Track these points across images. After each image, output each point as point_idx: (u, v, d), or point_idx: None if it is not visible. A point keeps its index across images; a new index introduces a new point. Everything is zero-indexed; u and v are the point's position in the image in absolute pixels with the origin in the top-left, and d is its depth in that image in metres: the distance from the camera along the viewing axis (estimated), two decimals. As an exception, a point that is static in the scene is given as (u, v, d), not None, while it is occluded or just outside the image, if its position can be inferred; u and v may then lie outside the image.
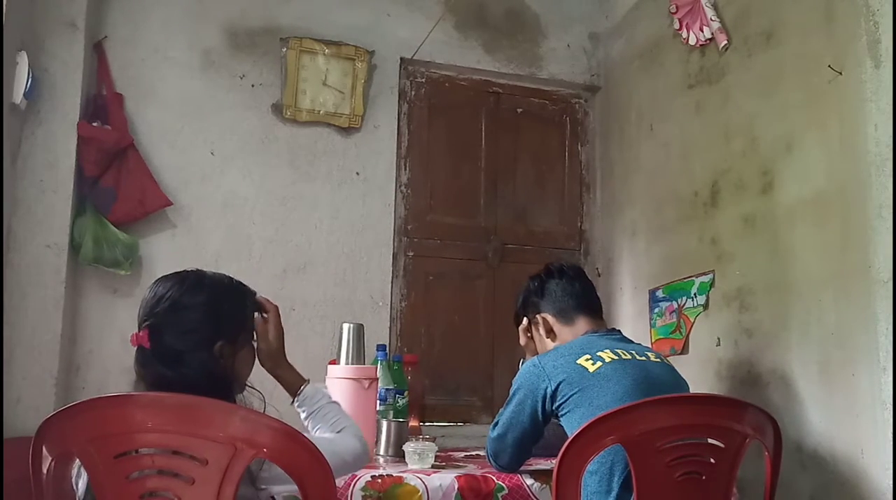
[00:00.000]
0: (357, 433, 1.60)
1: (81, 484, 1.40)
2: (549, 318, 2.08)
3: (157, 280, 1.53)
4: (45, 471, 1.33)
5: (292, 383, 1.66)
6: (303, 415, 1.64)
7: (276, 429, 1.30)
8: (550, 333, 2.07)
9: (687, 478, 1.52)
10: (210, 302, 1.50)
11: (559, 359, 1.85)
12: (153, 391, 1.42)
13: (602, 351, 1.84)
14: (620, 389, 1.76)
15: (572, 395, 1.78)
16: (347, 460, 1.54)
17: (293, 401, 1.65)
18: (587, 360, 1.82)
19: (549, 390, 1.80)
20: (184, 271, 1.55)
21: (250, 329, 1.61)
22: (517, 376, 1.93)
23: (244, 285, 1.62)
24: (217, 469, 1.26)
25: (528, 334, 2.17)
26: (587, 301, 2.10)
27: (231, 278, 1.60)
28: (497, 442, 1.88)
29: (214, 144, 3.02)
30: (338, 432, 1.59)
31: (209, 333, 1.48)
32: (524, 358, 2.23)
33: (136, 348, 1.47)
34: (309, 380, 1.67)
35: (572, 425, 1.74)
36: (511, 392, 1.90)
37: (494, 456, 1.90)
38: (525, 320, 2.18)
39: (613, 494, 1.68)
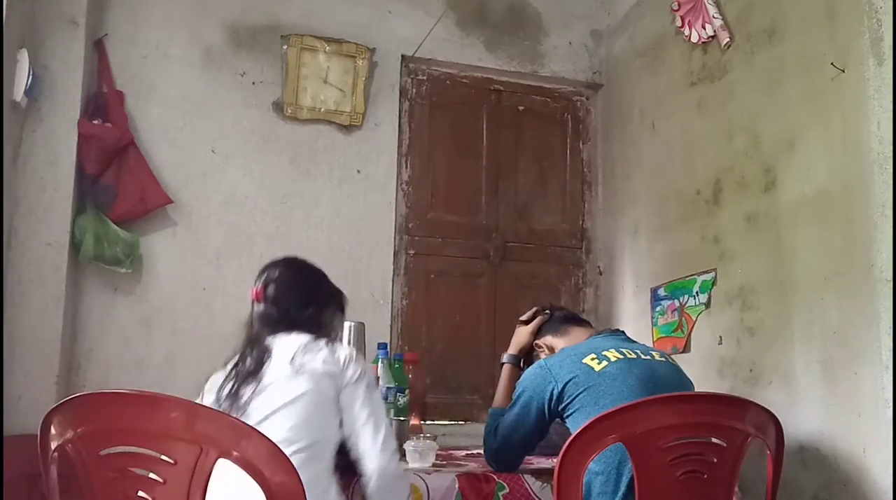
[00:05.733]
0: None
1: None
2: (548, 337, 2.16)
3: (271, 261, 1.94)
4: (51, 460, 1.34)
5: None
6: None
7: (241, 430, 1.30)
8: (552, 350, 2.11)
9: (689, 477, 1.52)
10: (307, 276, 1.93)
11: (566, 359, 1.86)
12: (262, 326, 1.80)
13: (607, 351, 1.85)
14: (626, 388, 1.76)
15: (578, 394, 1.78)
16: (387, 443, 1.70)
17: None
18: (593, 359, 1.82)
19: (555, 392, 1.81)
20: (292, 256, 1.98)
21: (333, 309, 1.94)
22: (522, 377, 1.94)
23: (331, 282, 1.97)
24: (185, 470, 1.26)
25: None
26: (576, 317, 2.25)
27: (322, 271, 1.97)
28: (501, 443, 1.87)
29: (215, 141, 3.01)
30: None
31: (305, 296, 1.87)
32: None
33: (252, 302, 1.87)
34: None
35: (577, 425, 1.74)
36: (515, 395, 1.90)
37: (497, 458, 1.89)
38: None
39: (620, 494, 1.68)
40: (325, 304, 1.91)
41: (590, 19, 3.57)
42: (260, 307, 1.86)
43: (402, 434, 2.18)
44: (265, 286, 1.87)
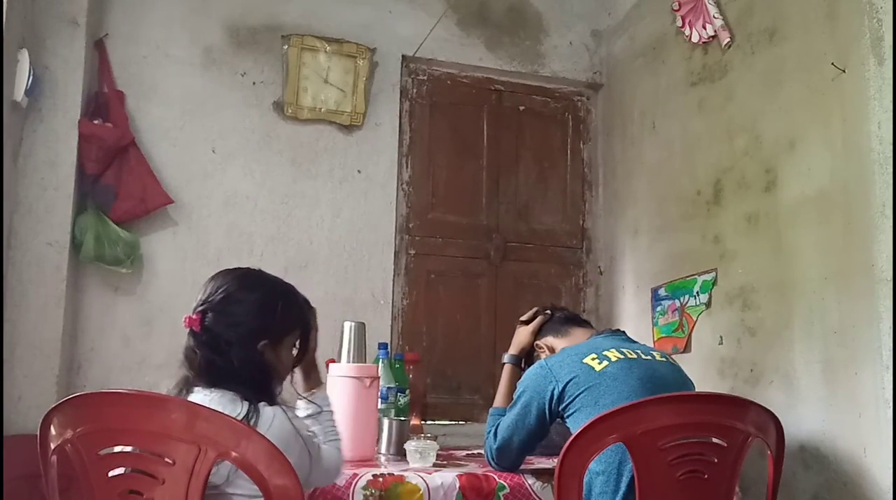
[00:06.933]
0: (341, 449, 1.67)
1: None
2: (549, 338, 2.16)
3: (218, 272, 1.60)
4: (51, 460, 1.35)
5: (312, 380, 1.74)
6: (306, 410, 1.71)
7: (240, 430, 1.30)
8: (553, 350, 2.11)
9: (689, 477, 1.52)
10: (262, 302, 1.55)
11: (566, 359, 1.86)
12: (200, 374, 1.49)
13: (608, 351, 1.85)
14: (627, 388, 1.76)
15: (579, 394, 1.78)
16: (329, 470, 1.60)
17: (304, 395, 1.73)
18: (593, 359, 1.83)
19: (556, 392, 1.81)
20: (246, 267, 1.62)
21: (296, 335, 1.64)
22: (523, 377, 1.94)
23: (299, 294, 1.66)
24: (184, 470, 1.26)
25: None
26: (576, 318, 2.25)
27: (288, 285, 1.65)
28: (502, 444, 1.87)
29: (216, 141, 3.01)
30: (329, 441, 1.66)
31: (255, 330, 1.53)
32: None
33: (188, 331, 1.52)
34: (323, 383, 1.77)
35: (578, 425, 1.74)
36: (516, 395, 1.90)
37: (497, 458, 1.89)
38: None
39: (620, 494, 1.68)
40: (283, 334, 1.58)
41: (590, 19, 3.57)
42: (191, 341, 1.51)
43: (403, 434, 2.18)
44: (203, 313, 1.50)
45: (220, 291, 1.53)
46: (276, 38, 3.12)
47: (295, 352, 1.63)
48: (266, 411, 1.43)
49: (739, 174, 2.56)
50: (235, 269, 1.61)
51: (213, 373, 1.48)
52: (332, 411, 1.74)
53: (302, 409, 1.70)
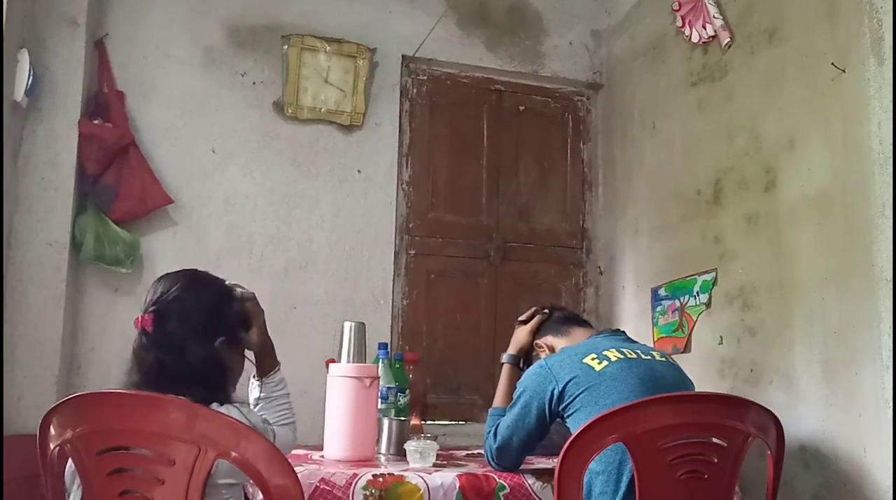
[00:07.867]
0: (294, 430, 1.76)
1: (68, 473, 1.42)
2: (548, 337, 2.17)
3: (164, 275, 1.60)
4: (49, 460, 1.36)
5: (267, 364, 1.76)
6: (259, 392, 1.75)
7: (240, 430, 1.31)
8: (552, 350, 2.11)
9: (689, 477, 1.52)
10: (215, 299, 1.58)
11: (566, 359, 1.86)
12: (149, 378, 1.49)
13: (608, 351, 1.85)
14: (626, 388, 1.76)
15: (579, 394, 1.78)
16: (283, 450, 1.63)
17: (259, 377, 1.75)
18: (593, 359, 1.83)
19: (556, 392, 1.81)
20: (192, 269, 1.63)
21: (249, 331, 1.69)
22: (523, 377, 1.94)
23: (245, 291, 1.71)
24: (184, 470, 1.27)
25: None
26: (576, 317, 2.25)
27: (229, 285, 1.68)
28: (502, 444, 1.87)
29: (216, 141, 3.01)
30: (282, 424, 1.71)
31: (211, 327, 1.54)
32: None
33: (137, 333, 1.51)
34: (278, 365, 1.79)
35: (578, 425, 1.74)
36: (516, 395, 1.90)
37: (497, 458, 1.89)
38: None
39: (620, 494, 1.68)
40: (237, 331, 1.63)
41: (590, 19, 3.57)
42: (142, 341, 1.50)
43: (403, 434, 2.18)
44: (156, 313, 1.50)
45: (172, 290, 1.53)
46: (276, 38, 3.12)
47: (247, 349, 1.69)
48: (220, 411, 1.43)
49: (739, 174, 2.56)
50: (181, 270, 1.61)
51: (163, 376, 1.47)
52: (286, 394, 1.76)
53: (255, 392, 1.75)
